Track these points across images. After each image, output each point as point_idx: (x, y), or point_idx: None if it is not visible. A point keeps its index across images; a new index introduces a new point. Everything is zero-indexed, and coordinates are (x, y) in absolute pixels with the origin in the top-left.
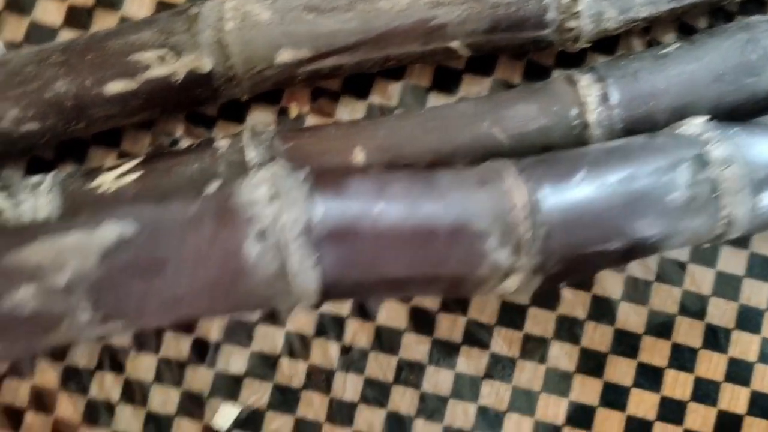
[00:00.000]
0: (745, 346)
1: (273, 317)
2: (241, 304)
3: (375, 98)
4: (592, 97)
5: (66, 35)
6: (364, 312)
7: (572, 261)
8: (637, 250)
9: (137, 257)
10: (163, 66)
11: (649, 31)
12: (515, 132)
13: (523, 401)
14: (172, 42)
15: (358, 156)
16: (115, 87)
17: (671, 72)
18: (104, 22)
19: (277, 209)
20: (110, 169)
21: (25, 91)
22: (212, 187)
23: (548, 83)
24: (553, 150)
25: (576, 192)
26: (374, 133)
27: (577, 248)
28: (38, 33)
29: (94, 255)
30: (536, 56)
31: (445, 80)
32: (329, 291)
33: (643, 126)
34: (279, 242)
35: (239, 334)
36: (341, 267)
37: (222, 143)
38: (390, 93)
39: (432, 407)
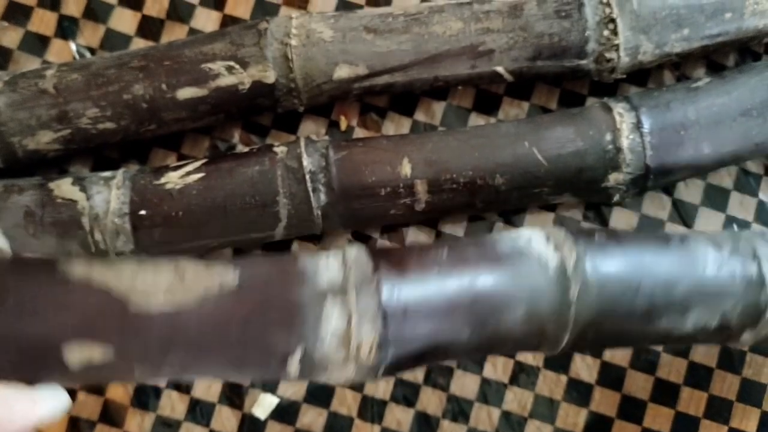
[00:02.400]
0: (757, 368)
1: None
2: None
3: (420, 116)
4: (626, 123)
5: (139, 44)
6: None
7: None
8: None
9: None
10: (231, 75)
11: (679, 66)
12: (553, 153)
13: (545, 409)
14: (241, 54)
15: (406, 168)
16: (187, 93)
17: (701, 104)
18: (174, 33)
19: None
20: (176, 168)
21: (106, 91)
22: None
23: (585, 109)
24: (586, 171)
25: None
26: (421, 147)
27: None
28: (113, 40)
29: None
30: (571, 84)
31: (486, 103)
32: None
33: (673, 154)
34: None
35: None
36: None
37: (281, 149)
38: (434, 112)
39: (458, 409)
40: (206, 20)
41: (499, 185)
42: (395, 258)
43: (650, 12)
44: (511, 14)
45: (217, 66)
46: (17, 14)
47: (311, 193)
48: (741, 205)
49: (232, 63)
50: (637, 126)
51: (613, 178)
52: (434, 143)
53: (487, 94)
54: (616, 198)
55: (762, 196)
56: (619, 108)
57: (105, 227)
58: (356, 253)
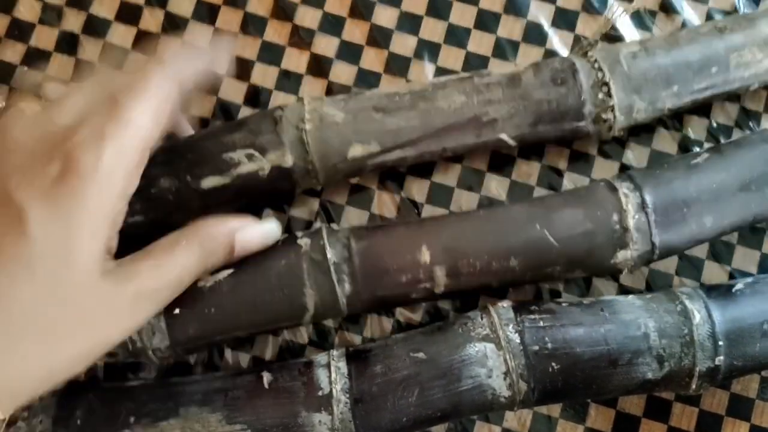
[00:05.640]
0: (746, 383)
1: None
2: None
3: (437, 178)
4: (632, 204)
5: None
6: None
7: None
8: None
9: None
10: (251, 163)
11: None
12: (563, 235)
13: (544, 426)
14: (259, 142)
15: (425, 255)
16: (211, 182)
17: (702, 181)
18: None
19: None
20: None
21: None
22: None
23: (591, 190)
24: (595, 250)
25: None
26: (438, 234)
27: None
28: None
29: None
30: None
31: (500, 164)
32: None
33: (677, 230)
34: None
35: None
36: None
37: (304, 241)
38: (451, 173)
39: (461, 428)
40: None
41: (514, 267)
42: None
43: (640, 73)
44: (510, 84)
45: (238, 155)
46: (36, 59)
47: (336, 285)
48: None
49: (251, 151)
50: (642, 206)
51: (622, 255)
52: (451, 230)
53: (500, 155)
54: (625, 272)
55: None
56: (624, 188)
57: (141, 326)
58: None
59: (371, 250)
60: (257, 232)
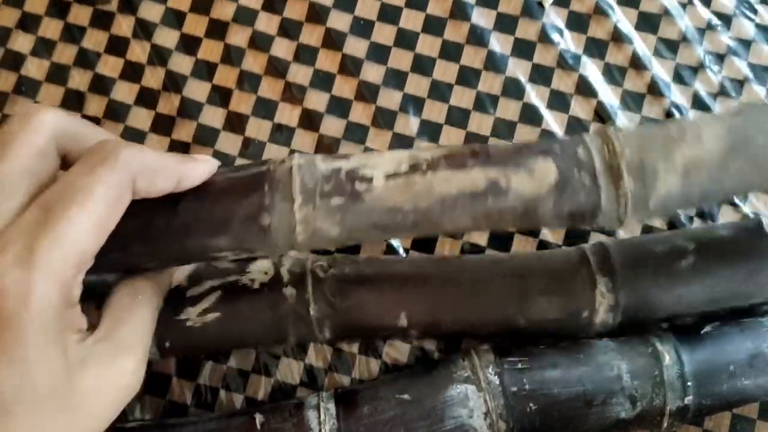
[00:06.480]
0: (718, 420)
1: None
2: None
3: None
4: (604, 306)
5: (152, 139)
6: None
7: None
8: None
9: None
10: (240, 259)
11: None
12: (534, 319)
13: None
14: (247, 245)
15: (403, 321)
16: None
17: (676, 292)
18: (184, 128)
19: None
20: (193, 301)
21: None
22: None
23: (572, 280)
24: (559, 333)
25: None
26: (418, 303)
27: None
28: (131, 136)
29: None
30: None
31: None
32: None
33: (633, 328)
34: None
35: None
36: None
37: (289, 292)
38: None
39: None
40: (213, 116)
41: (484, 335)
42: None
43: (662, 206)
44: (525, 215)
45: (224, 254)
46: None
47: (317, 334)
48: None
49: (240, 254)
50: (614, 308)
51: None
52: (431, 299)
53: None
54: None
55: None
56: (602, 286)
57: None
58: None
59: (354, 310)
60: (184, 273)
